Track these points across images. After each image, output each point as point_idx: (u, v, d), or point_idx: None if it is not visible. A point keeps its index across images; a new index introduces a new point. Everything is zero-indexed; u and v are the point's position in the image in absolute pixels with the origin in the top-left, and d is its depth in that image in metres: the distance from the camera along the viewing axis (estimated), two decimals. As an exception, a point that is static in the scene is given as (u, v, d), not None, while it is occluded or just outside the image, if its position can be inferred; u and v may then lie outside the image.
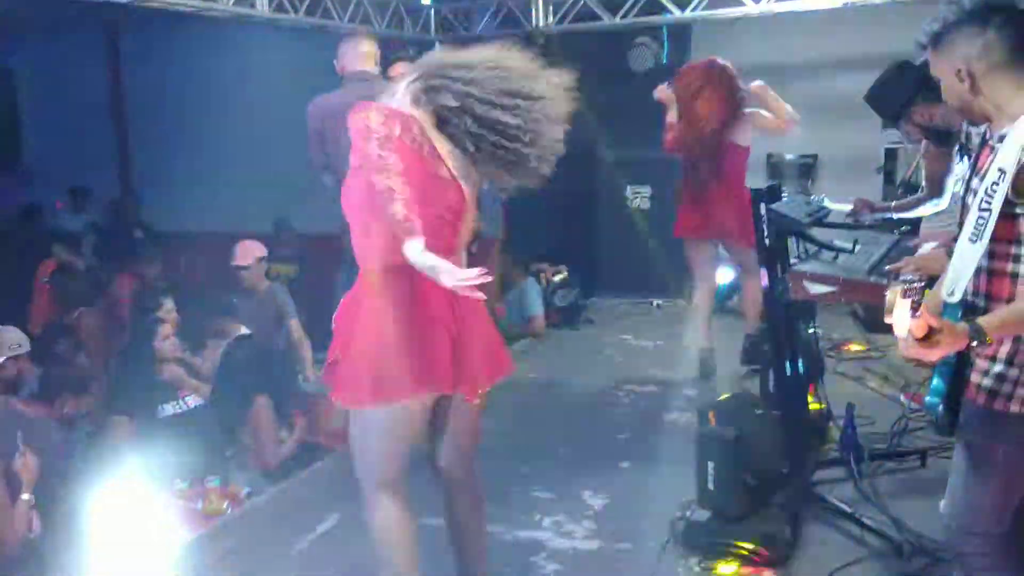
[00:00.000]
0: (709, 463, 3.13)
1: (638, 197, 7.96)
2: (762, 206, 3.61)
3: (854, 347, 5.87)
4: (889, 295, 1.88)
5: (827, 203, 3.85)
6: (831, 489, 3.56)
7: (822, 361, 4.41)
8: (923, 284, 1.90)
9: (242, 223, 7.32)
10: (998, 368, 2.04)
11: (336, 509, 3.67)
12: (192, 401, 4.54)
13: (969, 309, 2.08)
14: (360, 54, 4.12)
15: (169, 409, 4.41)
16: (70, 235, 8.28)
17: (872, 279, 3.02)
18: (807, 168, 7.55)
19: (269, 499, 4.12)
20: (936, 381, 2.10)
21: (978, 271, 2.06)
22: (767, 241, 3.58)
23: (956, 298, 2.03)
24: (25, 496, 3.41)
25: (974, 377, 2.09)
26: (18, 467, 3.41)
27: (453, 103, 2.25)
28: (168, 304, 4.74)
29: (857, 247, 3.39)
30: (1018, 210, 1.97)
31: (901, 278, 1.97)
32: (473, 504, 2.66)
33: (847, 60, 7.16)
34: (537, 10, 7.19)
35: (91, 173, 9.72)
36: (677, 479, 3.50)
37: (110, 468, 3.91)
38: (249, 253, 5.32)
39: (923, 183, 4.04)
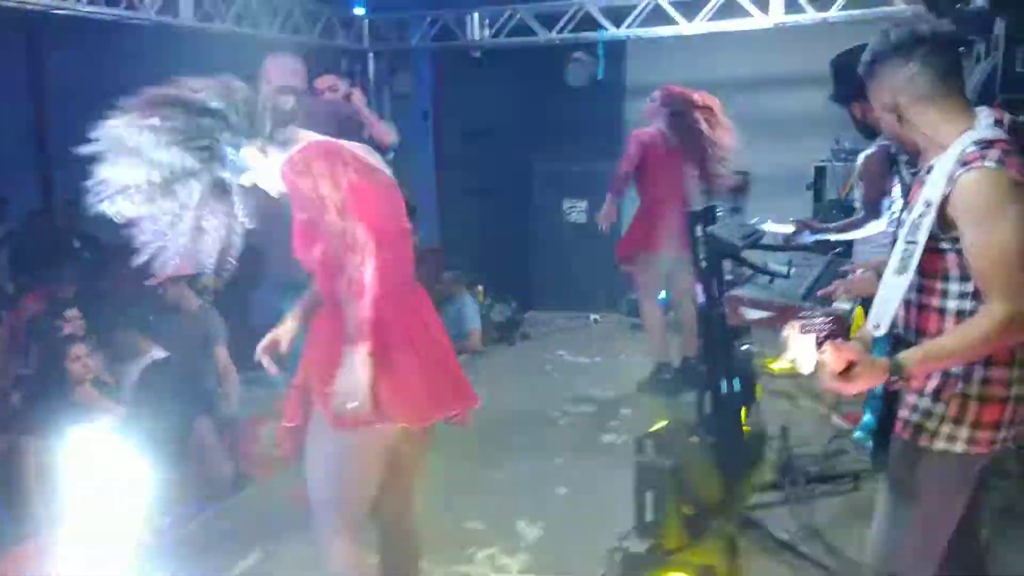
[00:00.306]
0: (647, 493, 3.07)
1: (574, 211, 7.96)
2: (698, 228, 3.59)
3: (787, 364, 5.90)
4: (785, 333, 1.85)
5: (769, 225, 3.85)
6: (768, 515, 3.54)
7: (757, 381, 4.42)
8: (827, 320, 1.88)
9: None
10: (924, 403, 1.99)
11: (258, 544, 3.53)
12: (105, 424, 4.34)
13: (900, 342, 2.04)
14: (286, 72, 3.96)
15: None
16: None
17: (808, 305, 3.02)
18: (740, 184, 7.61)
19: (191, 532, 3.95)
20: (866, 415, 2.08)
21: (907, 305, 2.02)
22: (703, 264, 3.56)
23: (882, 331, 2.00)
24: None
25: (902, 411, 2.04)
26: None
27: None
28: (72, 313, 4.51)
29: (791, 270, 3.40)
30: (944, 244, 1.92)
31: (798, 315, 1.94)
32: (413, 551, 2.61)
33: (779, 79, 7.28)
34: (472, 24, 7.11)
35: (10, 183, 9.30)
36: (614, 506, 3.43)
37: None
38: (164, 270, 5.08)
39: (856, 204, 4.08)
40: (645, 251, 5.37)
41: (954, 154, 1.89)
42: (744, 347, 4.11)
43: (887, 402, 2.05)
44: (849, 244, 4.01)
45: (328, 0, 6.96)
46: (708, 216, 3.65)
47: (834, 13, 6.15)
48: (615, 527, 3.35)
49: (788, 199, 6.79)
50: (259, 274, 4.36)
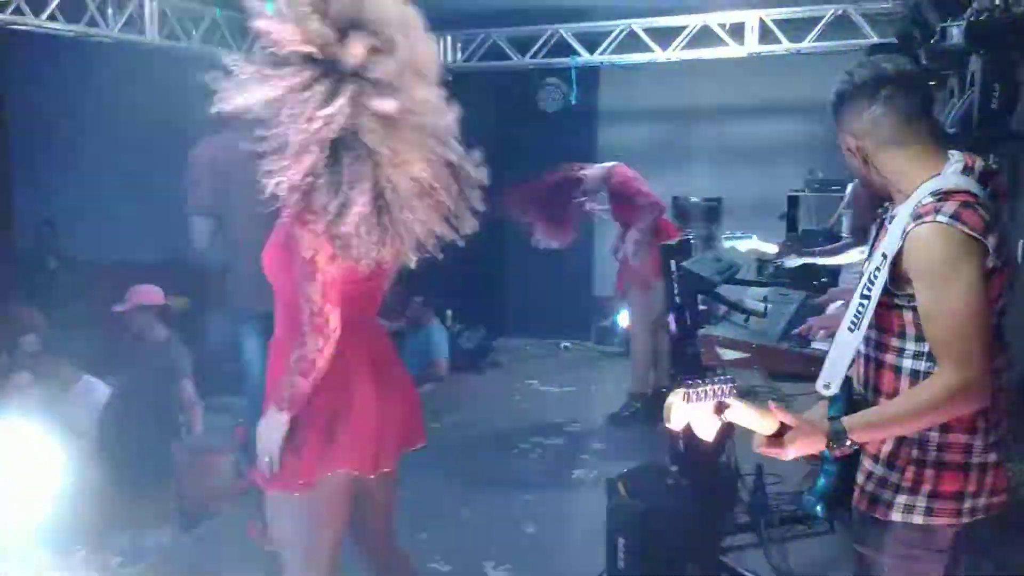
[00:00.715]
0: (619, 538, 2.97)
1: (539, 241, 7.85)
2: (672, 263, 3.51)
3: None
4: (670, 399, 1.72)
5: (755, 241, 3.78)
6: (741, 557, 3.45)
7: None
8: (728, 385, 1.73)
9: (135, 253, 6.90)
10: (879, 470, 1.84)
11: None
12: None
13: (856, 403, 1.89)
14: None
15: None
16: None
17: (785, 346, 2.94)
18: (712, 211, 7.61)
19: (148, 566, 3.78)
20: (821, 479, 1.93)
21: (865, 359, 1.90)
22: (677, 299, 3.48)
23: (832, 391, 1.85)
24: None
25: (859, 477, 1.88)
26: None
27: None
28: (30, 339, 4.34)
29: (768, 307, 3.33)
30: (899, 301, 1.79)
31: (684, 379, 1.78)
32: (409, 571, 2.54)
33: (752, 108, 7.28)
34: (445, 46, 7.04)
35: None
36: (584, 546, 3.34)
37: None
38: (132, 298, 4.91)
39: (844, 233, 4.04)
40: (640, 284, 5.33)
41: (912, 204, 1.77)
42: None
43: (841, 465, 1.87)
44: (835, 274, 3.95)
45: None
46: (682, 249, 3.57)
47: (808, 44, 6.15)
48: (586, 571, 3.25)
49: (760, 229, 6.74)
50: (222, 299, 4.21)
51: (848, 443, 1.76)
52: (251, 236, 3.56)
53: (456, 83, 7.36)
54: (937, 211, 1.70)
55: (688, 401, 1.69)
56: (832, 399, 1.87)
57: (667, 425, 1.74)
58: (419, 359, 6.38)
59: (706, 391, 1.70)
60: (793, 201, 6.89)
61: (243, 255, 3.60)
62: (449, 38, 7.04)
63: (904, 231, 1.74)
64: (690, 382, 1.70)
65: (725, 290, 3.63)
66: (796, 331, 2.86)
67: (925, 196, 1.75)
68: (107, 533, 4.10)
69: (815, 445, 1.75)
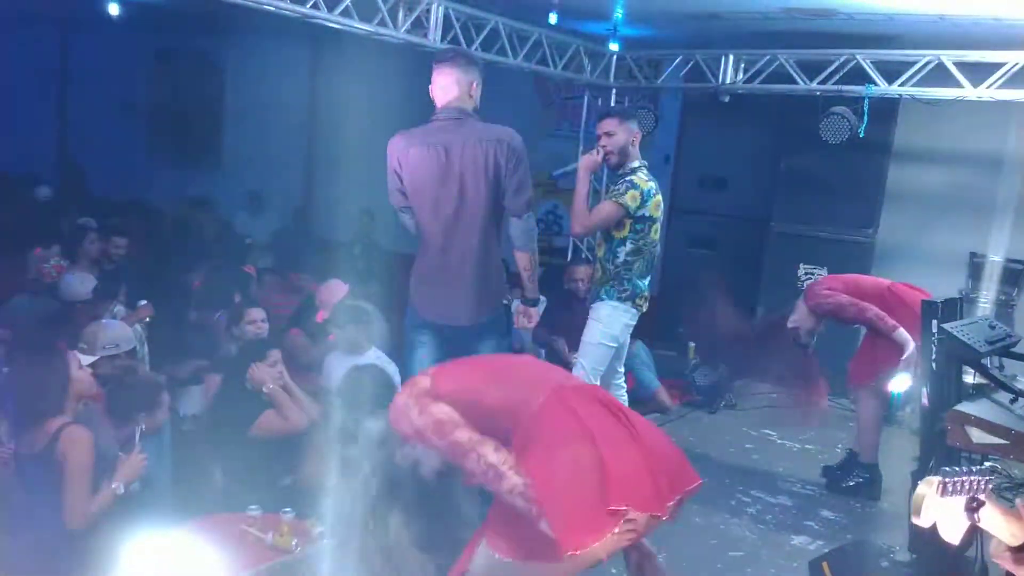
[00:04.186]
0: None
1: (811, 277, 7.26)
2: (934, 323, 3.02)
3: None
4: (922, 488, 1.45)
5: None
6: None
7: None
8: (985, 478, 1.38)
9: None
10: None
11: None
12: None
13: None
14: (447, 83, 3.55)
15: None
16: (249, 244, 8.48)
17: (1057, 441, 2.39)
18: (1014, 275, 6.61)
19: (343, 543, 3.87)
20: None
21: None
22: (933, 366, 2.99)
23: None
24: (114, 485, 3.34)
25: None
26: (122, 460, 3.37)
27: None
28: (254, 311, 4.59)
29: (1047, 390, 2.74)
30: None
31: (942, 469, 1.48)
32: None
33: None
34: (725, 65, 6.72)
35: (277, 180, 10.12)
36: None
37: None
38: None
39: None
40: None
41: None
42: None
43: None
44: None
45: (577, 34, 6.87)
46: (947, 310, 3.06)
47: None
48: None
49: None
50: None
51: None
52: (435, 240, 3.54)
53: (733, 104, 7.11)
54: None
55: (943, 494, 1.41)
56: None
57: (914, 520, 1.44)
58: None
59: (963, 483, 1.41)
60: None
61: (428, 257, 3.56)
62: (731, 57, 6.70)
63: None
64: (947, 471, 1.41)
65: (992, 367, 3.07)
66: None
67: None
68: (312, 500, 4.28)
69: None
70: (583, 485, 2.04)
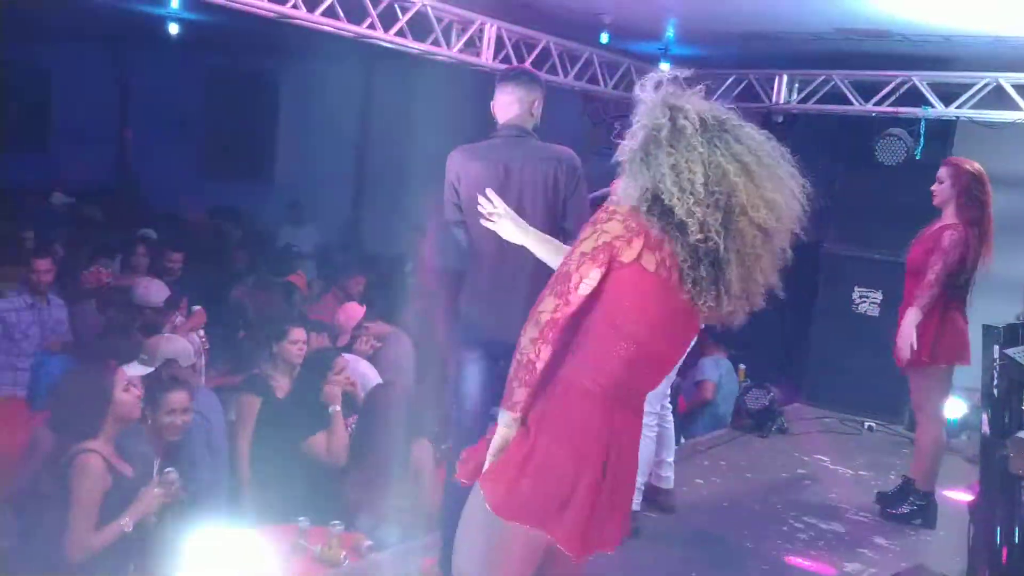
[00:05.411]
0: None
1: (866, 301, 7.15)
2: (995, 348, 2.95)
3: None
4: None
5: None
6: None
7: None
8: None
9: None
10: None
11: None
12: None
13: None
14: (510, 101, 3.50)
15: None
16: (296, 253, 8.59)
17: None
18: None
19: (392, 557, 3.89)
20: None
21: None
22: (995, 391, 2.91)
23: None
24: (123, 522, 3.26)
25: None
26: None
27: None
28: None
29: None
30: None
31: None
32: None
33: None
34: (779, 85, 6.67)
35: (327, 194, 10.25)
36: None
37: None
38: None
39: None
40: (937, 361, 4.62)
41: None
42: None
43: None
44: None
45: (628, 53, 6.87)
46: (1009, 335, 2.99)
47: None
48: None
49: None
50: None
51: None
52: (489, 255, 3.51)
53: (784, 124, 7.02)
54: None
55: None
56: None
57: None
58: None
59: None
60: None
61: (481, 273, 3.54)
62: (785, 77, 6.65)
63: None
64: None
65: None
66: None
67: None
68: (357, 514, 4.30)
69: None
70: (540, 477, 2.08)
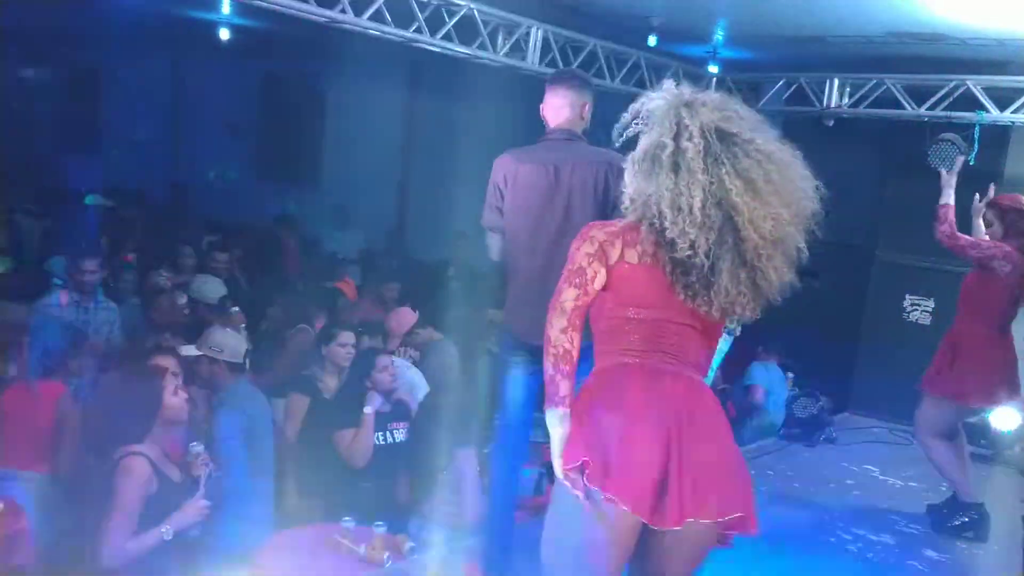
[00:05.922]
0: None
1: (917, 309, 7.01)
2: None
3: None
4: None
5: None
6: None
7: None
8: None
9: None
10: None
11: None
12: (400, 435, 4.52)
13: None
14: (561, 104, 3.47)
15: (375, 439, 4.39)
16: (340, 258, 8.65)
17: None
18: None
19: (434, 559, 3.89)
20: None
21: None
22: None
23: None
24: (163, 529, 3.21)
25: None
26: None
27: None
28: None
29: None
30: None
31: None
32: None
33: None
34: (830, 89, 6.58)
35: (372, 199, 10.32)
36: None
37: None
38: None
39: None
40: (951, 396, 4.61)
41: None
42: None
43: None
44: None
45: (676, 56, 6.83)
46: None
47: None
48: None
49: None
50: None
51: None
52: (528, 260, 3.49)
53: (836, 129, 6.93)
54: None
55: None
56: None
57: None
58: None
59: None
60: None
61: (520, 278, 3.52)
62: (836, 80, 6.56)
63: None
64: None
65: None
66: None
67: None
68: (402, 516, 4.32)
69: None
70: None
